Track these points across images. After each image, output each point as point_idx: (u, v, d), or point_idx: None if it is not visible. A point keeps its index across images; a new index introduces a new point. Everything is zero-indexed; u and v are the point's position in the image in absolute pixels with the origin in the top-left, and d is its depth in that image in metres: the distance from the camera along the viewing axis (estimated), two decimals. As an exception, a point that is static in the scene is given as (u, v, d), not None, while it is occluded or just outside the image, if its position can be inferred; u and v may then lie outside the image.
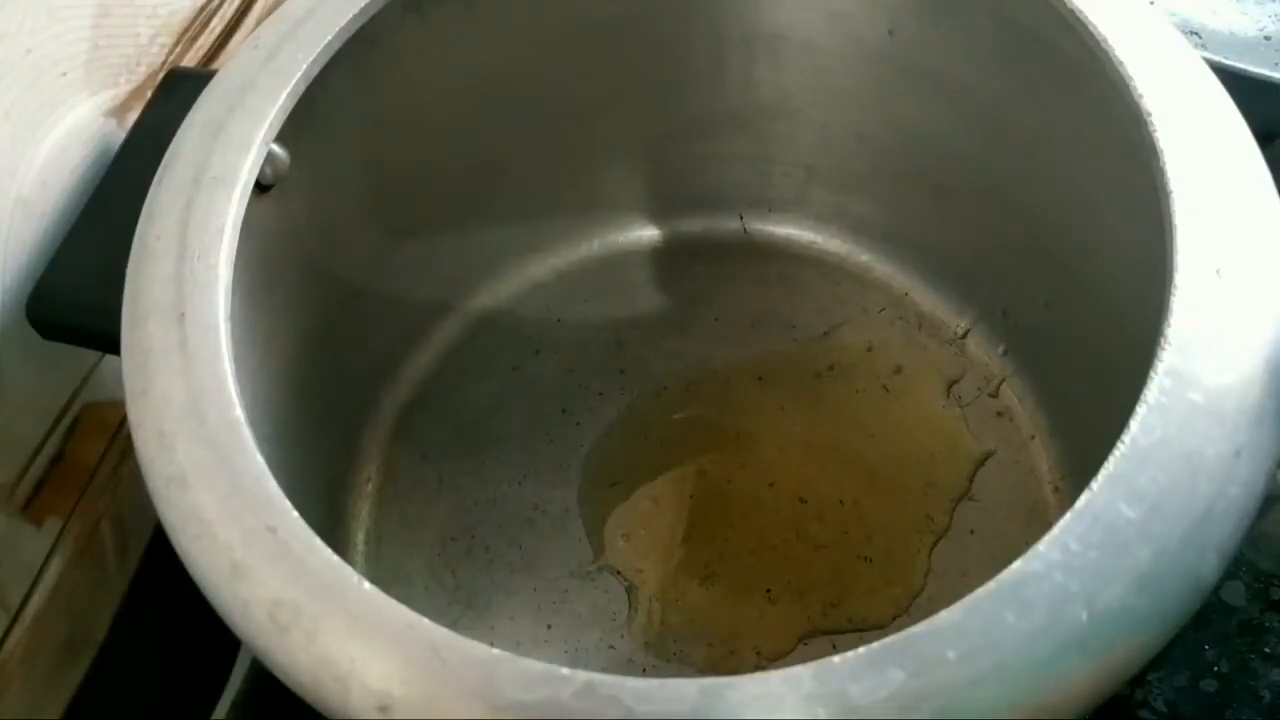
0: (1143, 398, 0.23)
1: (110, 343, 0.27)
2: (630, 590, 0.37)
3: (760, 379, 0.41)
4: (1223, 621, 0.34)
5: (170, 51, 0.39)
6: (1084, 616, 0.20)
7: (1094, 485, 0.22)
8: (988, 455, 0.38)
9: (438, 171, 0.39)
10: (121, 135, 0.36)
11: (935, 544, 0.37)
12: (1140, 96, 0.27)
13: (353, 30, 0.31)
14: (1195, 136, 0.26)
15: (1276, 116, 0.35)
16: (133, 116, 0.36)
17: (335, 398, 0.37)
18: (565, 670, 0.20)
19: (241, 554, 0.22)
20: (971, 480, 0.38)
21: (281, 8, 0.32)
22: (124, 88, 0.37)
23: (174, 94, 0.35)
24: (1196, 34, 0.43)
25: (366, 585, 0.22)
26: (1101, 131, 0.30)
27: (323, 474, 0.37)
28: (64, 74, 0.34)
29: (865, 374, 0.41)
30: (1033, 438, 0.39)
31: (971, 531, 0.37)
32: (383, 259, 0.38)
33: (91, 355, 0.37)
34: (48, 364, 0.35)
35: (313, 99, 0.30)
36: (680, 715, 0.20)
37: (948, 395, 0.40)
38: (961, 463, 0.38)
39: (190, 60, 0.40)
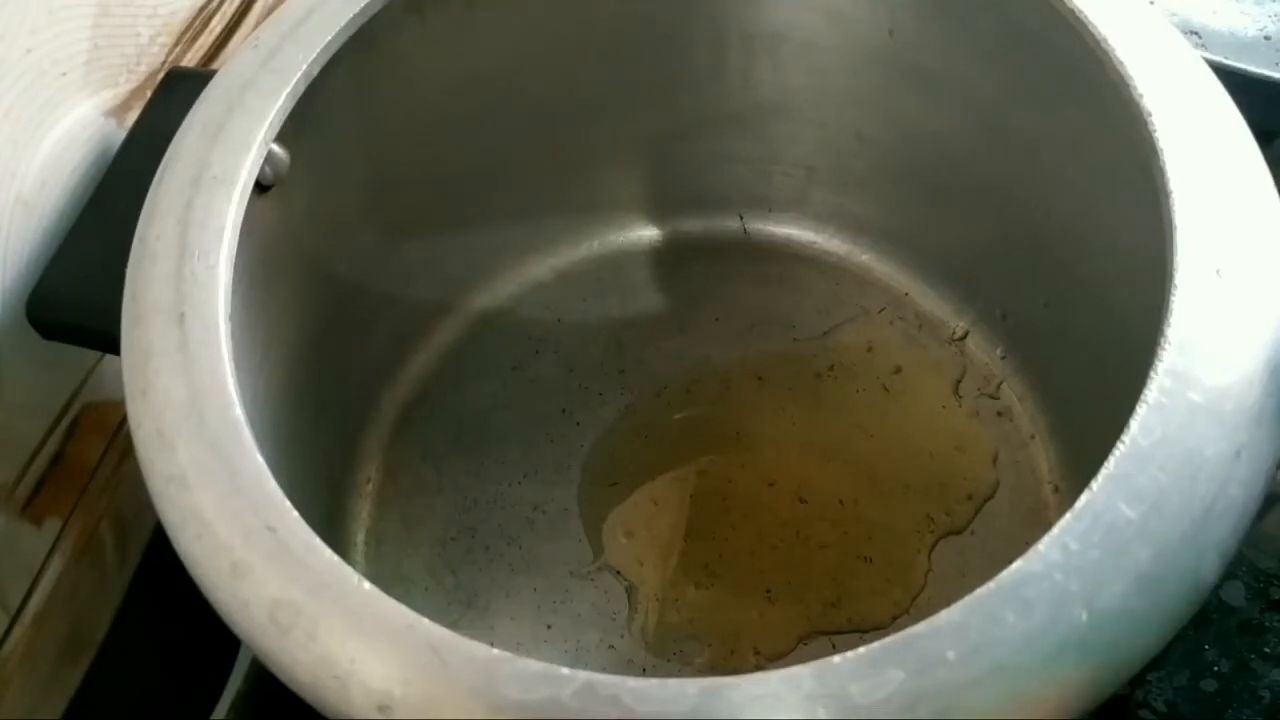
0: (1143, 398, 0.23)
1: (110, 343, 0.27)
2: (630, 590, 0.37)
3: (760, 379, 0.41)
4: (1223, 621, 0.34)
5: (170, 51, 0.39)
6: (1084, 616, 0.20)
7: (1094, 485, 0.22)
8: (993, 456, 0.38)
9: (438, 171, 0.39)
10: (121, 135, 0.36)
11: (935, 544, 0.37)
12: (1140, 96, 0.27)
13: (353, 30, 0.31)
14: (1195, 136, 0.26)
15: (1276, 116, 0.35)
16: (133, 116, 0.36)
17: (335, 398, 0.37)
18: (565, 670, 0.20)
19: (241, 554, 0.22)
20: (993, 479, 0.38)
21: (281, 8, 0.32)
22: (124, 88, 0.37)
23: (174, 94, 0.35)
24: (1196, 34, 0.43)
25: (366, 585, 0.22)
26: (1101, 131, 0.30)
27: (323, 474, 0.37)
28: (64, 74, 0.34)
29: (865, 374, 0.41)
30: (1033, 438, 0.39)
31: (971, 531, 0.37)
32: (383, 259, 0.38)
33: (91, 355, 0.37)
34: (48, 364, 0.35)
35: (313, 99, 0.30)
36: (680, 715, 0.20)
37: (948, 395, 0.40)
38: (966, 463, 0.38)
39: (190, 60, 0.40)
